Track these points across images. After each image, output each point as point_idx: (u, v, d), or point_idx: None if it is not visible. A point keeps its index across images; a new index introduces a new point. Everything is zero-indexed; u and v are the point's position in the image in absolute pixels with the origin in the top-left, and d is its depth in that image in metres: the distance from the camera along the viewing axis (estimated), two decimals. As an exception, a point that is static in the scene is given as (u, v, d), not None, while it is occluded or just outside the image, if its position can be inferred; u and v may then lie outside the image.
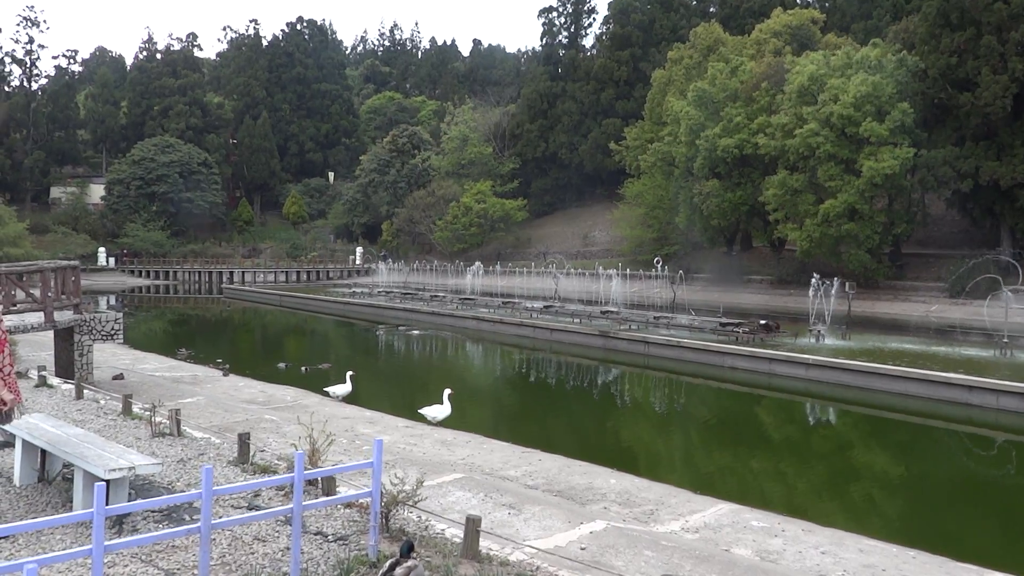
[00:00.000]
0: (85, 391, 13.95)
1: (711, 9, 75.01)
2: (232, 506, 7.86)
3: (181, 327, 43.83)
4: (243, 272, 77.22)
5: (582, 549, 8.18)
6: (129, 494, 7.19)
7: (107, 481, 6.35)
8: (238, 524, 5.45)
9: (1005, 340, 23.33)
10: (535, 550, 7.65)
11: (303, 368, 24.08)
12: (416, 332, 34.24)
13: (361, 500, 6.44)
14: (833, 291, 27.50)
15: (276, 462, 9.50)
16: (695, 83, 51.90)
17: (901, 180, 40.75)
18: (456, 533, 7.09)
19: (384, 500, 6.43)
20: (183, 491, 7.85)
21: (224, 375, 21.16)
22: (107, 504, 4.88)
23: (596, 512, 9.88)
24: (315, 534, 6.96)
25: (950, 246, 45.87)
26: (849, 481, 13.46)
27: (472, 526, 5.67)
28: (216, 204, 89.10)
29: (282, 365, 24.47)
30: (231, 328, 44.67)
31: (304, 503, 5.56)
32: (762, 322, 27.12)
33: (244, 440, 8.95)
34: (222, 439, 10.95)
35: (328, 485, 7.50)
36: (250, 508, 7.34)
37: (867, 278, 41.45)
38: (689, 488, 11.48)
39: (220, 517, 7.03)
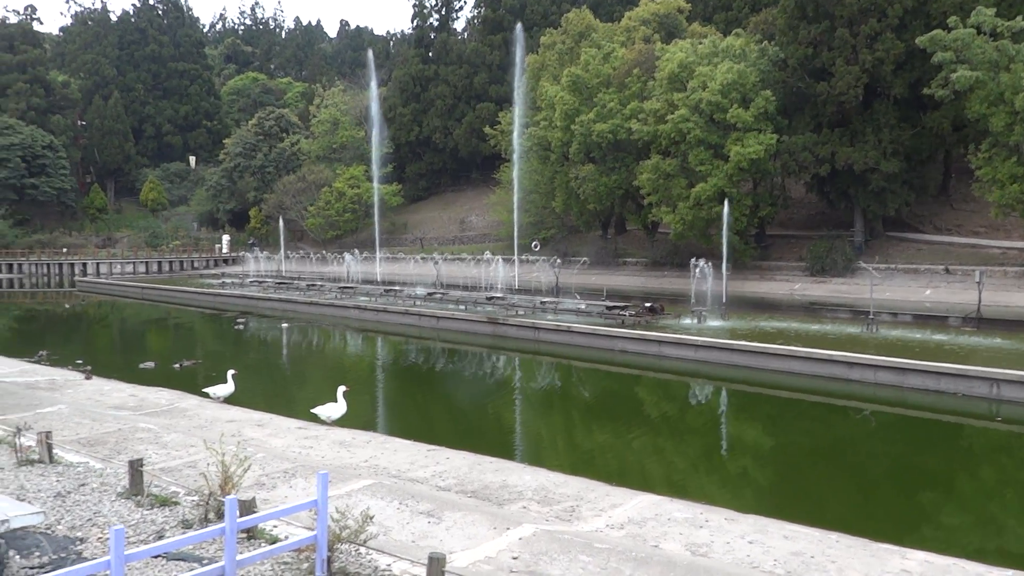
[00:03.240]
0: (-74, 409, 12.12)
1: (581, -4, 75.60)
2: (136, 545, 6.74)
3: (30, 325, 40.17)
4: (98, 263, 71.88)
5: (514, 558, 7.66)
6: (0, 545, 5.99)
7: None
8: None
9: (871, 317, 24.55)
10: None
11: (177, 364, 22.38)
12: (285, 325, 32.63)
13: (305, 546, 5.57)
14: (712, 272, 28.18)
15: (175, 490, 8.34)
16: (568, 68, 52.11)
17: (765, 165, 42.39)
18: (406, 568, 6.37)
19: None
20: (66, 536, 6.68)
21: (86, 378, 19.26)
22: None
23: (517, 513, 9.37)
24: (242, 584, 5.96)
25: (809, 227, 48.32)
26: (756, 463, 13.59)
27: (436, 567, 5.00)
28: (64, 190, 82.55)
29: (150, 364, 22.61)
30: (88, 324, 41.26)
31: (239, 557, 4.67)
32: (647, 305, 27.46)
33: (136, 468, 7.76)
34: (104, 463, 9.60)
35: (248, 512, 6.51)
36: (168, 559, 6.23)
37: (735, 259, 42.92)
38: (605, 480, 11.17)
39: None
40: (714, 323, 25.93)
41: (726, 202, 37.76)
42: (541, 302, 30.60)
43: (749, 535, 8.75)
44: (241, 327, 33.59)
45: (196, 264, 74.91)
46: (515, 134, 55.81)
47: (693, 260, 28.61)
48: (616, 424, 16.73)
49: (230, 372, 16.81)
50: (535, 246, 51.57)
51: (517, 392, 20.49)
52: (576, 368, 22.99)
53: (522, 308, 30.28)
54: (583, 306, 28.95)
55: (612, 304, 28.20)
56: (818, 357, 19.07)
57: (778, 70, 43.15)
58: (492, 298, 32.44)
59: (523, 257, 46.02)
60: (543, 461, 12.52)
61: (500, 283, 37.63)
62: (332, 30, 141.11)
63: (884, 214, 42.90)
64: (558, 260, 40.52)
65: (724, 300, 28.67)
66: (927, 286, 37.12)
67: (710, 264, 28.85)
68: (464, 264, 44.78)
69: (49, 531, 7.03)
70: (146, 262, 73.35)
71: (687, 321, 26.28)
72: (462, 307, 31.77)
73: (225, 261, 75.79)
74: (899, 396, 17.53)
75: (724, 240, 35.13)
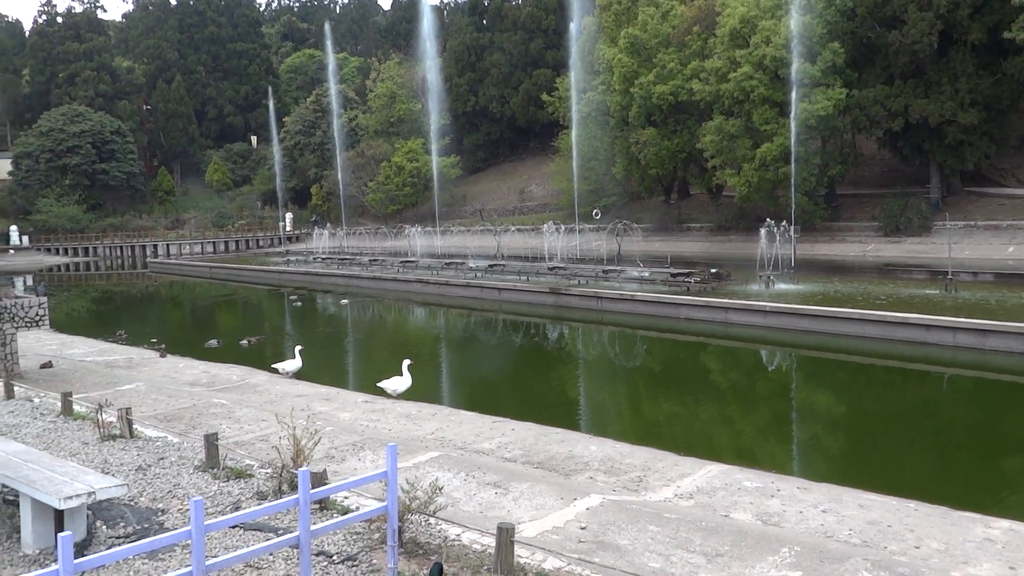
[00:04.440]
0: (16, 388, 12.75)
1: (637, -46, 73.90)
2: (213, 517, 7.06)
3: (106, 305, 41.81)
4: (168, 245, 74.33)
5: (582, 528, 7.72)
6: (87, 516, 6.33)
7: (62, 511, 5.48)
8: (239, 562, 4.63)
9: (950, 277, 23.72)
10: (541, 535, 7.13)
11: (244, 341, 23.02)
12: (345, 301, 33.20)
13: (376, 516, 5.74)
14: (780, 235, 27.59)
15: (249, 463, 8.64)
16: (626, 29, 51.16)
17: (834, 121, 41.07)
18: (475, 539, 6.49)
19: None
20: (148, 507, 7.00)
21: (161, 356, 20.05)
22: (63, 531, 4.11)
23: (584, 484, 9.43)
24: (316, 555, 6.19)
25: (882, 185, 46.77)
26: (829, 431, 13.37)
27: (505, 537, 5.09)
28: (133, 174, 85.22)
29: (214, 342, 23.30)
30: (160, 304, 42.82)
31: (313, 528, 4.82)
32: (713, 270, 27.12)
33: (212, 441, 8.09)
34: (181, 438, 10.00)
35: (320, 484, 6.74)
36: (245, 529, 6.50)
37: (804, 221, 41.90)
38: (672, 450, 11.13)
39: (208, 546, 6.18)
40: (783, 287, 25.44)
41: (793, 162, 36.86)
42: (604, 271, 30.48)
43: (823, 504, 8.64)
44: (299, 304, 34.35)
45: (261, 243, 76.74)
46: (573, 100, 55.25)
47: (769, 221, 27.98)
48: (683, 393, 16.62)
49: (297, 348, 17.22)
50: (596, 214, 51.16)
51: (581, 362, 20.52)
52: (641, 337, 22.86)
53: (584, 277, 30.22)
54: (647, 274, 28.73)
55: (676, 271, 27.92)
56: (893, 320, 18.55)
57: (846, 20, 41.55)
58: (554, 268, 32.43)
59: (584, 226, 45.73)
60: (609, 431, 12.55)
61: (561, 253, 37.54)
62: (386, 2, 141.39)
63: (962, 168, 41.19)
64: (620, 227, 40.16)
65: (793, 264, 28.08)
66: (1010, 243, 35.62)
67: (780, 225, 28.22)
68: (524, 235, 44.77)
69: (132, 503, 7.39)
70: (213, 242, 75.45)
71: (755, 286, 25.84)
72: (523, 278, 31.85)
73: (289, 239, 77.34)
74: (980, 359, 16.95)
75: (792, 201, 34.28)
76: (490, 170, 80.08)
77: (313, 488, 5.12)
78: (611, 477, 9.68)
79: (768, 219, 28.88)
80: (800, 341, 20.02)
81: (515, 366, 20.18)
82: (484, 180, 78.12)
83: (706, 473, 9.75)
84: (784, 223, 28.48)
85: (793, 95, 39.42)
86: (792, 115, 39.13)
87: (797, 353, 19.70)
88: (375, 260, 43.50)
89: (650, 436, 12.50)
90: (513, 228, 49.59)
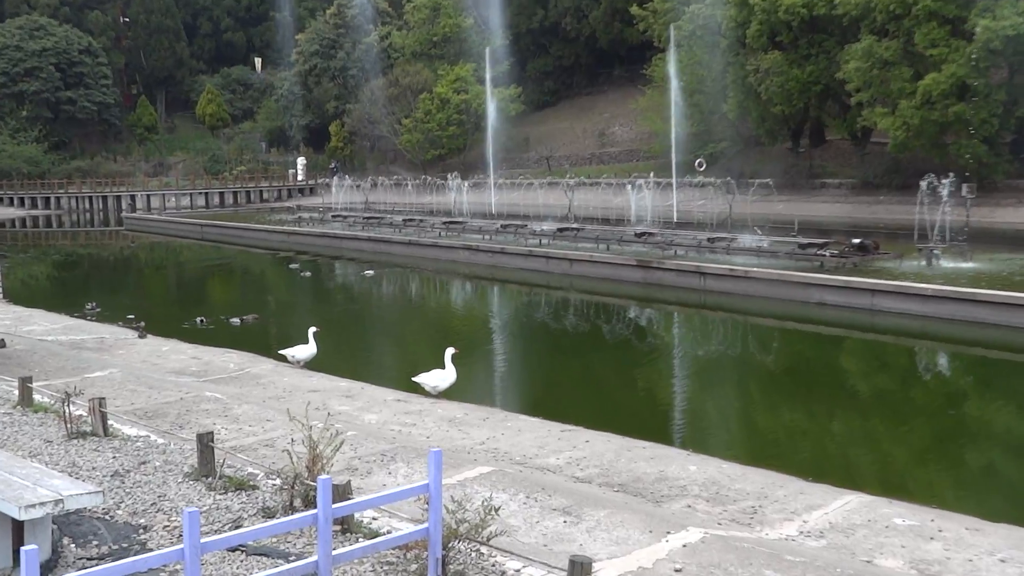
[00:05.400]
0: (-38, 372, 13.30)
1: None
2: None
3: (72, 271, 43.25)
4: (148, 196, 76.19)
5: (677, 571, 7.74)
6: (52, 531, 6.57)
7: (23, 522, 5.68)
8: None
9: None
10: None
11: (236, 320, 23.57)
12: (370, 272, 33.65)
13: (414, 541, 5.82)
14: (949, 195, 27.05)
15: (252, 471, 8.88)
16: (747, -80, 50.50)
17: (1027, 44, 40.03)
18: (535, 575, 6.55)
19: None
20: (127, 522, 7.24)
21: (140, 336, 20.68)
22: (24, 545, 4.27)
23: (680, 514, 9.46)
24: (339, 589, 6.30)
25: (1091, 131, 45.38)
26: (1011, 456, 13.22)
27: (580, 573, 5.13)
28: (107, 105, 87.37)
29: (199, 320, 23.91)
30: (139, 271, 44.05)
31: (335, 552, 4.91)
32: (856, 241, 26.89)
33: (206, 443, 8.31)
34: (167, 438, 10.32)
35: (342, 498, 6.86)
36: (248, 553, 6.66)
37: (982, 176, 40.95)
38: (797, 474, 11.10)
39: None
40: (950, 265, 25.09)
41: (969, 98, 36.01)
42: (708, 239, 30.51)
43: (1000, 551, 8.53)
44: (307, 274, 34.96)
45: (266, 195, 78.20)
46: (673, 14, 54.61)
47: (948, 177, 27.38)
48: (812, 401, 16.53)
49: (311, 330, 17.53)
50: (700, 165, 50.74)
51: (676, 357, 20.52)
52: (756, 326, 22.83)
53: (683, 247, 30.32)
54: (766, 244, 28.67)
55: (807, 241, 27.79)
56: (1103, 312, 18.16)
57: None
58: (642, 235, 32.54)
59: (684, 180, 45.44)
60: (713, 448, 12.57)
61: (653, 215, 37.47)
62: None
63: None
64: (732, 183, 39.77)
65: (965, 234, 27.55)
66: None
67: (949, 183, 27.65)
68: (605, 190, 44.69)
69: (107, 516, 7.66)
70: (205, 193, 77.13)
71: (912, 263, 25.54)
72: (602, 246, 32.07)
73: (300, 191, 78.60)
74: None
75: (967, 151, 33.40)
76: (561, 105, 79.99)
77: (335, 503, 5.21)
78: (715, 506, 9.71)
79: (932, 174, 28.26)
80: (972, 336, 19.81)
81: (590, 360, 20.28)
82: (553, 118, 78.10)
83: (842, 505, 9.72)
84: (955, 179, 27.86)
85: (973, 9, 38.46)
86: (972, 35, 38.15)
87: (967, 352, 19.48)
88: (410, 220, 43.96)
89: (767, 455, 12.48)
90: (590, 181, 49.52)
